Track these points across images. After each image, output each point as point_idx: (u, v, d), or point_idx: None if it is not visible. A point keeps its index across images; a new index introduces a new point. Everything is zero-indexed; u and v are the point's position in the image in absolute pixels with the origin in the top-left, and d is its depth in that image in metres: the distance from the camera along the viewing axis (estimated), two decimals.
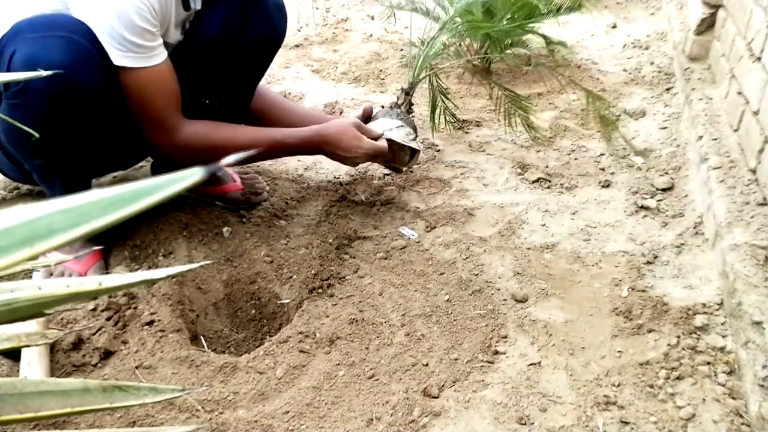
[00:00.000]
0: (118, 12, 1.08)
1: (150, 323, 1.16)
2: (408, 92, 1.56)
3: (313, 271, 1.32)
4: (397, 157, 1.47)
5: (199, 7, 1.27)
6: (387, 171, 1.71)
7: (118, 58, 1.12)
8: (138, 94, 1.18)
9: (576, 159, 1.76)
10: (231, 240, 1.41)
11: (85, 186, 1.30)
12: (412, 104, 1.60)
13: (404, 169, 1.59)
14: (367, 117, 1.50)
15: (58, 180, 1.25)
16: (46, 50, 1.04)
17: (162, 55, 1.18)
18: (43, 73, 0.74)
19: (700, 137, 1.56)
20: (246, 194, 1.53)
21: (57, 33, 1.06)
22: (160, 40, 1.18)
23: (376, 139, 1.40)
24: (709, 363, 1.06)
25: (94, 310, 1.17)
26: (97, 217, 0.36)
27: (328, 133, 1.36)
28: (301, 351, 1.12)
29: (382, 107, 1.53)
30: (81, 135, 1.17)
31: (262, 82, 1.50)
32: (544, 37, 2.17)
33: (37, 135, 1.02)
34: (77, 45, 1.07)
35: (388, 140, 1.42)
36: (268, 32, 1.34)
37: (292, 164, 1.77)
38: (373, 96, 2.22)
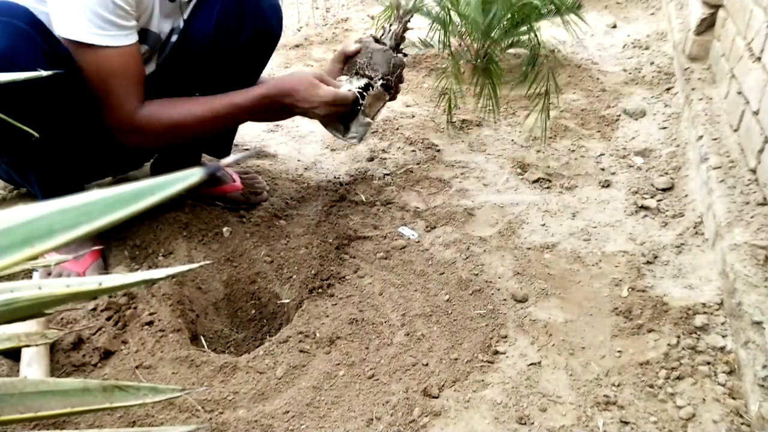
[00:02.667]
0: None
1: (150, 323, 1.16)
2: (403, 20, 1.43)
3: (313, 271, 1.32)
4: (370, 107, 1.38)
5: None
6: (386, 171, 1.71)
7: (87, 34, 1.08)
8: (100, 74, 1.13)
9: (576, 159, 1.76)
10: (231, 240, 1.41)
11: (69, 187, 1.27)
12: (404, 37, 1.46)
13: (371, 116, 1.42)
14: (348, 56, 1.43)
15: (32, 178, 1.23)
16: None
17: (132, 37, 1.15)
18: (44, 73, 0.73)
19: (700, 137, 1.56)
20: (246, 194, 1.53)
21: None
22: (134, 23, 1.15)
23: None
24: (709, 363, 1.06)
25: (94, 310, 1.17)
26: (97, 217, 0.36)
27: (283, 85, 1.30)
28: (301, 351, 1.12)
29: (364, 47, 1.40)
30: (42, 128, 1.11)
31: None
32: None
33: (36, 134, 1.01)
34: (16, 29, 1.02)
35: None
36: (263, 31, 1.34)
37: (292, 164, 1.77)
38: None
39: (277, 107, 1.32)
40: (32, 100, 1.07)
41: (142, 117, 1.20)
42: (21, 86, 1.03)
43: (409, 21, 1.46)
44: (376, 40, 1.43)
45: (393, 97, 1.46)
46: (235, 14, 1.28)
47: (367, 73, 1.37)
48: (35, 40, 1.04)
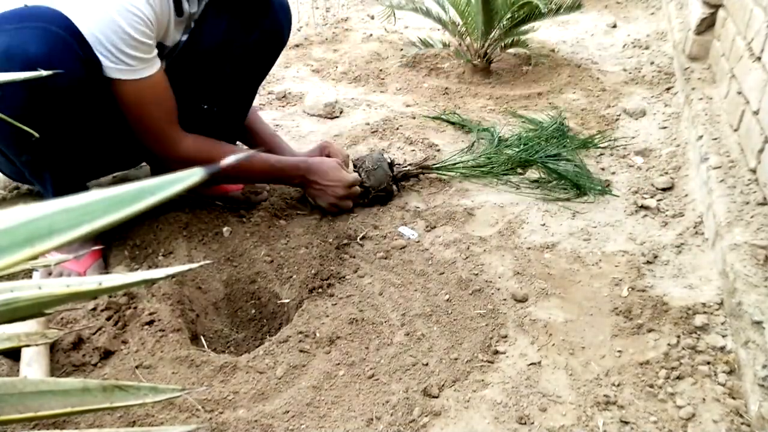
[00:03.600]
0: (113, 24, 1.06)
1: (150, 323, 1.16)
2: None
3: (313, 271, 1.32)
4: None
5: (194, 9, 1.26)
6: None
7: (114, 71, 1.12)
8: (134, 105, 1.18)
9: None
10: (231, 240, 1.41)
11: (78, 185, 1.28)
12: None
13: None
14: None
15: (47, 177, 1.23)
16: (21, 41, 1.01)
17: (156, 64, 1.18)
18: (43, 72, 0.73)
19: (700, 137, 1.56)
20: (246, 194, 1.53)
21: (33, 24, 1.03)
22: (155, 51, 1.17)
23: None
24: (709, 363, 1.06)
25: (94, 309, 1.17)
26: (98, 217, 0.36)
27: (314, 162, 1.45)
28: (301, 351, 1.12)
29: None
30: (67, 130, 1.15)
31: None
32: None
33: (36, 135, 1.01)
34: (54, 36, 1.04)
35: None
36: (273, 31, 1.34)
37: None
38: (373, 96, 2.22)
39: (299, 179, 1.46)
40: (68, 101, 1.10)
41: (183, 150, 1.27)
42: (60, 88, 1.06)
43: (420, 174, 1.64)
44: (390, 164, 1.55)
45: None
46: (245, 16, 1.28)
47: (362, 174, 1.51)
48: (72, 46, 1.06)
